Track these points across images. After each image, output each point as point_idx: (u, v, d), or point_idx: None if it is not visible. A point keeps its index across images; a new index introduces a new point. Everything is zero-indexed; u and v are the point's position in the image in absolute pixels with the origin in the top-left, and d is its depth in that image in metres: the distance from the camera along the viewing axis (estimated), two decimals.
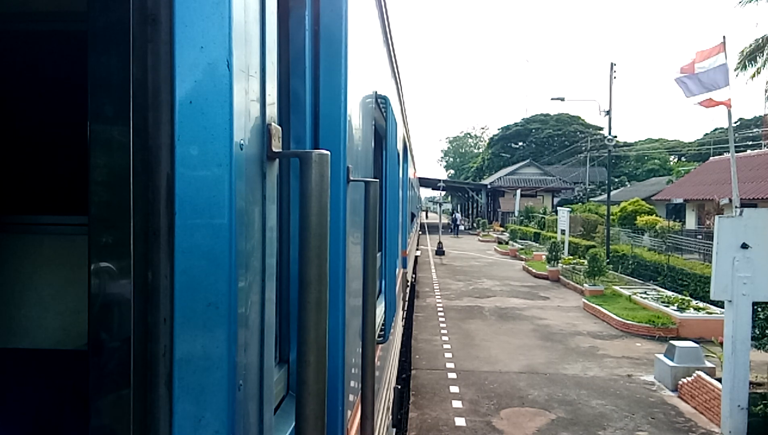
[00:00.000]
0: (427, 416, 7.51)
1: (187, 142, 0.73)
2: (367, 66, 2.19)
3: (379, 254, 3.35)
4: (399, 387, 5.32)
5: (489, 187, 55.20)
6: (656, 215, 27.61)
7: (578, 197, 51.26)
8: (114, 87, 0.71)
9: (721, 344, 7.59)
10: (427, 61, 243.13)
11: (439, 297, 16.72)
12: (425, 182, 46.28)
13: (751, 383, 6.90)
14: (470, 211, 65.79)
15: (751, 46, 21.38)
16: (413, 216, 7.30)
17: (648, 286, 16.97)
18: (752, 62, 21.41)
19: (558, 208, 32.35)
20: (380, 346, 2.96)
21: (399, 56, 4.50)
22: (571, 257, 22.05)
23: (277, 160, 0.96)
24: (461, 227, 50.67)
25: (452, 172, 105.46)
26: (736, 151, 11.45)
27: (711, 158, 35.76)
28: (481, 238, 40.50)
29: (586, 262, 18.03)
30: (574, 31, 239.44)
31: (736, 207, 7.10)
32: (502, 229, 45.36)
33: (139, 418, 0.72)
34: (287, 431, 1.17)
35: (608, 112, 22.96)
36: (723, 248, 6.68)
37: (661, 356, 9.10)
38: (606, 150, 25.31)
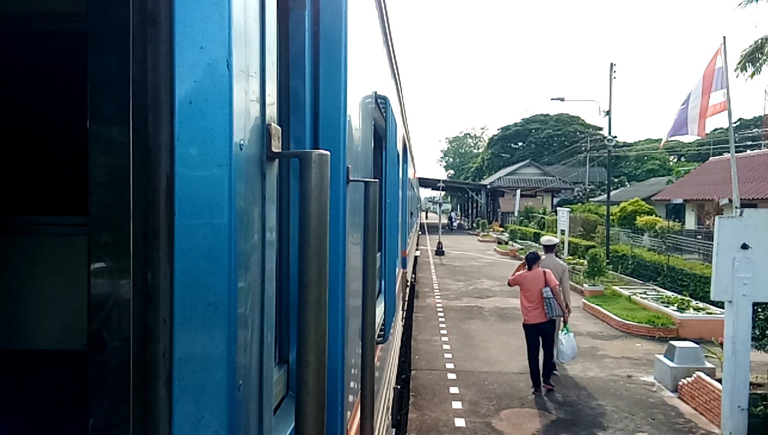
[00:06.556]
0: (427, 417, 7.50)
1: (187, 142, 0.73)
2: (367, 66, 2.19)
3: (378, 254, 3.35)
4: (399, 387, 5.31)
5: (489, 187, 55.23)
6: (656, 215, 27.62)
7: (578, 197, 51.23)
8: (114, 87, 0.71)
9: (721, 345, 7.58)
10: (427, 61, 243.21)
11: (438, 297, 16.70)
12: (425, 182, 46.34)
13: (751, 384, 6.89)
14: (470, 212, 65.85)
15: (750, 47, 21.40)
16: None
17: (648, 286, 16.96)
18: (752, 63, 21.42)
19: (558, 208, 32.34)
20: (380, 346, 2.96)
21: (399, 56, 4.51)
22: (570, 257, 22.04)
23: (277, 160, 0.96)
24: (455, 224, 57.81)
25: (452, 172, 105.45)
26: (736, 152, 11.45)
27: (711, 158, 35.73)
28: (480, 238, 40.49)
29: (585, 262, 18.02)
30: (574, 31, 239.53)
31: (736, 207, 7.09)
32: (501, 229, 45.33)
33: (138, 418, 0.72)
34: (287, 431, 1.17)
35: (608, 113, 22.97)
36: (723, 249, 6.68)
37: (661, 357, 9.09)
38: (606, 150, 25.32)
